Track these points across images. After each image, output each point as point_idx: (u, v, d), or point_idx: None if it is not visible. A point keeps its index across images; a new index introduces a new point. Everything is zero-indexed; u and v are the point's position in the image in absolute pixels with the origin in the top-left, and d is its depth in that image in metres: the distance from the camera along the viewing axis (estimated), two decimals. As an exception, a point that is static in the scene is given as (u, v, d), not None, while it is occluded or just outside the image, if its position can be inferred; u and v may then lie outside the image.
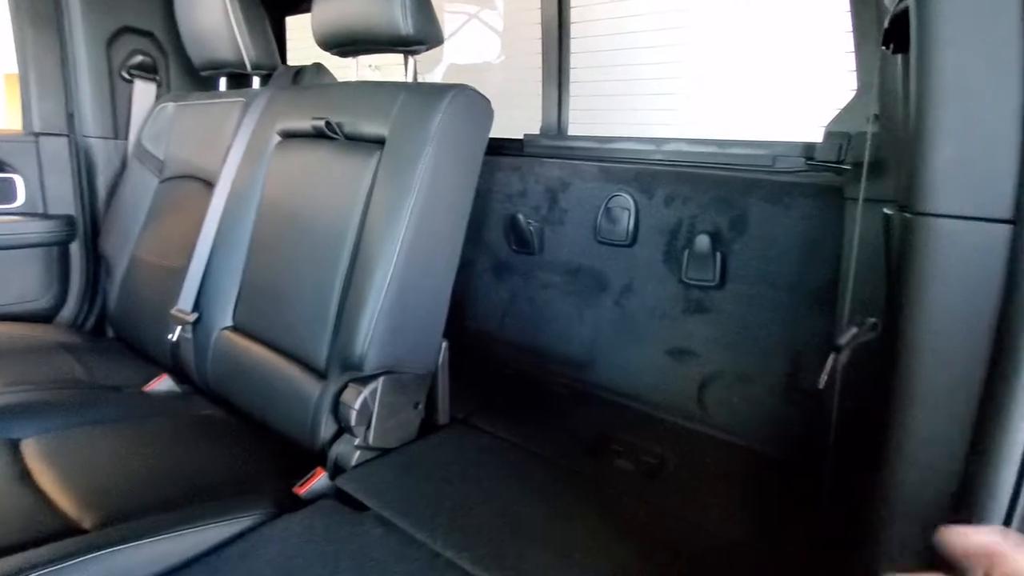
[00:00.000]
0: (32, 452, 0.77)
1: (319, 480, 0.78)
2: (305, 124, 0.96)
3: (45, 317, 1.34)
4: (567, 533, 0.71)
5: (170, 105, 1.31)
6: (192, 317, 1.02)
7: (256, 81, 1.27)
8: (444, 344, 0.92)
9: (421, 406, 0.90)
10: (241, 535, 0.65)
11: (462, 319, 1.36)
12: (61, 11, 1.28)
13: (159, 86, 1.41)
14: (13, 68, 1.30)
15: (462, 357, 0.99)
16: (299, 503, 0.74)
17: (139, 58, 1.36)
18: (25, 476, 0.72)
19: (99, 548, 0.58)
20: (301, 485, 0.77)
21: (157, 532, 0.61)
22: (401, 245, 0.80)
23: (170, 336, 1.05)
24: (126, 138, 1.38)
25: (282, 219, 0.97)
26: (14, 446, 0.78)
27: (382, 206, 0.82)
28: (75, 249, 1.38)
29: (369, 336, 0.79)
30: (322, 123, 0.92)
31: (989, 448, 0.37)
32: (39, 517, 0.64)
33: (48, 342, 1.18)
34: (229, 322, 1.01)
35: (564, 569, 0.64)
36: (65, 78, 1.32)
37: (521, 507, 0.75)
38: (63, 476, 0.72)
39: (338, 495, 0.76)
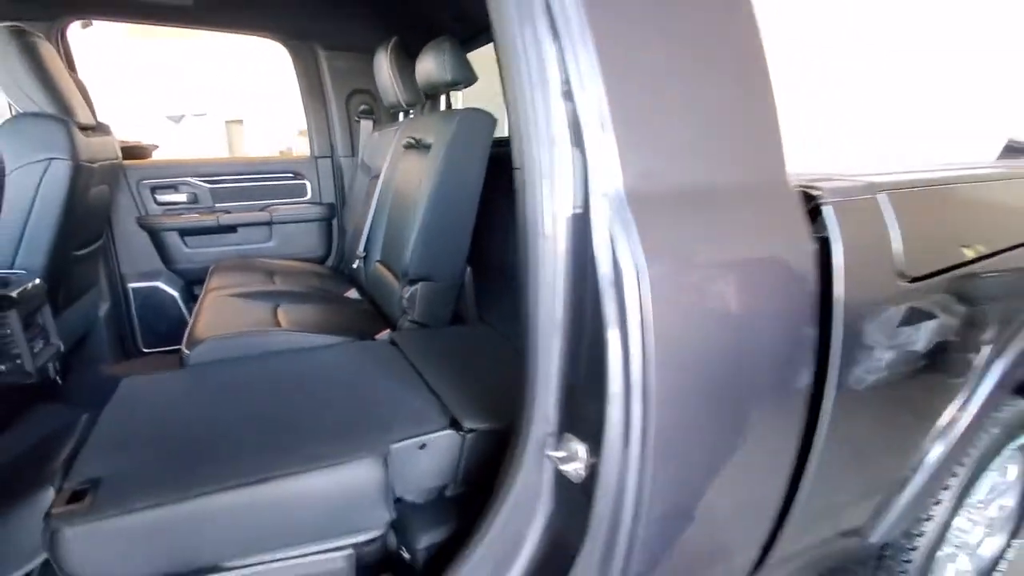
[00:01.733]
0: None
1: (383, 334, 1.46)
2: (408, 139, 1.65)
3: (319, 261, 2.34)
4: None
5: (376, 134, 2.15)
6: (363, 254, 1.81)
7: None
8: (468, 269, 1.50)
9: (450, 307, 1.50)
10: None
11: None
12: (323, 83, 2.23)
13: (375, 122, 2.28)
14: (232, 116, 2.32)
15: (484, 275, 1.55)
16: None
17: (363, 107, 2.25)
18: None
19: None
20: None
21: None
22: (428, 199, 1.40)
23: (353, 265, 1.86)
24: (357, 155, 2.30)
25: (397, 192, 1.67)
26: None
27: (422, 178, 1.45)
28: (335, 224, 2.36)
29: (410, 252, 1.43)
30: (411, 139, 1.60)
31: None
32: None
33: (323, 274, 2.12)
34: (379, 256, 1.76)
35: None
36: (328, 123, 2.29)
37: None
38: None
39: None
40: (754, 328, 0.78)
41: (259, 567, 0.83)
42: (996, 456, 1.42)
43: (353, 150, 2.30)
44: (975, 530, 1.55)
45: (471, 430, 0.96)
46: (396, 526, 0.98)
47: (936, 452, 1.19)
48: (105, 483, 0.80)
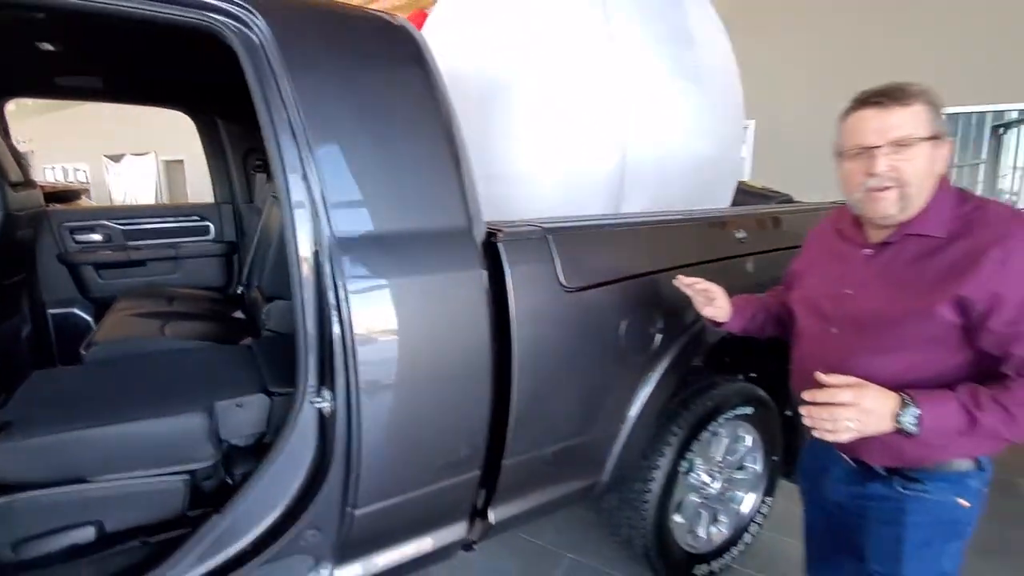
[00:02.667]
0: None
1: (246, 340, 1.91)
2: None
3: (221, 290, 2.77)
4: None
5: (267, 184, 2.63)
6: (244, 282, 2.26)
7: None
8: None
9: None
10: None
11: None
12: (223, 143, 2.71)
13: (268, 175, 2.76)
14: (171, 156, 2.80)
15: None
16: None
17: (258, 161, 2.73)
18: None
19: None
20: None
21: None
22: (280, 233, 1.89)
23: (238, 291, 2.31)
24: (255, 202, 2.77)
25: (266, 228, 2.14)
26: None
27: (280, 216, 1.93)
28: (236, 259, 2.80)
29: (267, 275, 1.90)
30: (278, 192, 2.08)
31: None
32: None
33: (219, 299, 2.55)
34: (257, 282, 2.21)
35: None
36: (228, 175, 2.75)
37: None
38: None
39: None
40: (437, 322, 1.28)
41: (117, 482, 1.26)
42: (713, 422, 1.93)
43: (251, 197, 2.76)
44: (715, 484, 2.07)
45: (277, 393, 1.42)
46: (227, 462, 1.43)
47: (633, 413, 1.71)
48: (15, 424, 1.23)
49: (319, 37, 1.21)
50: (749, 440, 2.14)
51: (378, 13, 1.34)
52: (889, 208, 1.01)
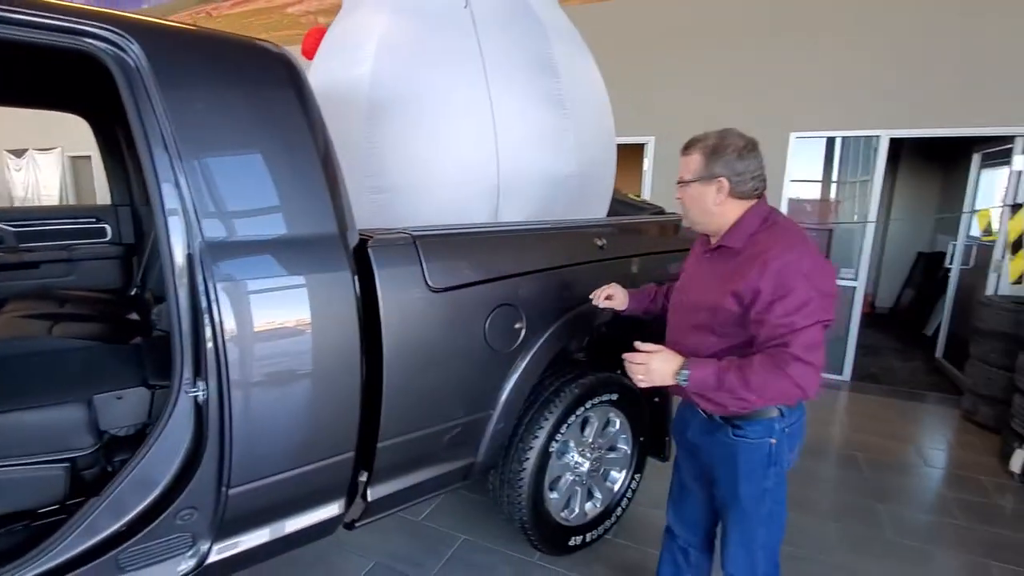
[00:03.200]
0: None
1: (135, 340, 1.98)
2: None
3: (120, 292, 2.78)
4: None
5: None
6: (139, 284, 2.31)
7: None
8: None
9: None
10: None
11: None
12: (120, 146, 2.73)
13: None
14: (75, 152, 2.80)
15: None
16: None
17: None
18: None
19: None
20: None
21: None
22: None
23: (131, 292, 2.35)
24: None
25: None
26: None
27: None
28: (134, 260, 2.81)
29: (155, 276, 1.98)
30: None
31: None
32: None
33: (114, 301, 2.57)
34: (151, 284, 2.27)
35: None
36: (127, 178, 2.77)
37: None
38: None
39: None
40: (305, 319, 1.42)
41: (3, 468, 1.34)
42: (581, 407, 2.16)
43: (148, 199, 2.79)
44: (587, 463, 2.30)
45: (158, 386, 1.53)
46: (109, 451, 1.52)
47: (502, 400, 1.91)
48: None
49: (192, 60, 1.34)
50: (618, 423, 2.40)
51: (255, 40, 1.48)
52: (685, 222, 1.50)
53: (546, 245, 2.01)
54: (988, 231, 4.32)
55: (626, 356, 1.39)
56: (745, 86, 4.53)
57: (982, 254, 4.37)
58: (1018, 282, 3.90)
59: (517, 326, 1.87)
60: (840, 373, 4.58)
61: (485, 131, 1.97)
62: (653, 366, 1.34)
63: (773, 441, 1.39)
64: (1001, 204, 4.12)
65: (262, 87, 1.41)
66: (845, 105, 4.28)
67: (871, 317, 6.39)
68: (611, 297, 1.81)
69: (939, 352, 4.97)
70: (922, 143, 5.77)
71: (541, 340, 1.95)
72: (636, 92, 4.63)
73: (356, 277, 1.52)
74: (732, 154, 1.34)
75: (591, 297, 1.84)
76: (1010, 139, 3.96)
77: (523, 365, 1.92)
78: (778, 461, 1.41)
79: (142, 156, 1.28)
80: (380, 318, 1.55)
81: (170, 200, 1.28)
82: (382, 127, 1.97)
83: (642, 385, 1.38)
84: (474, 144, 1.99)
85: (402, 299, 1.61)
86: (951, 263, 4.73)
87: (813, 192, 5.28)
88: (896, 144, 4.76)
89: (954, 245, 4.71)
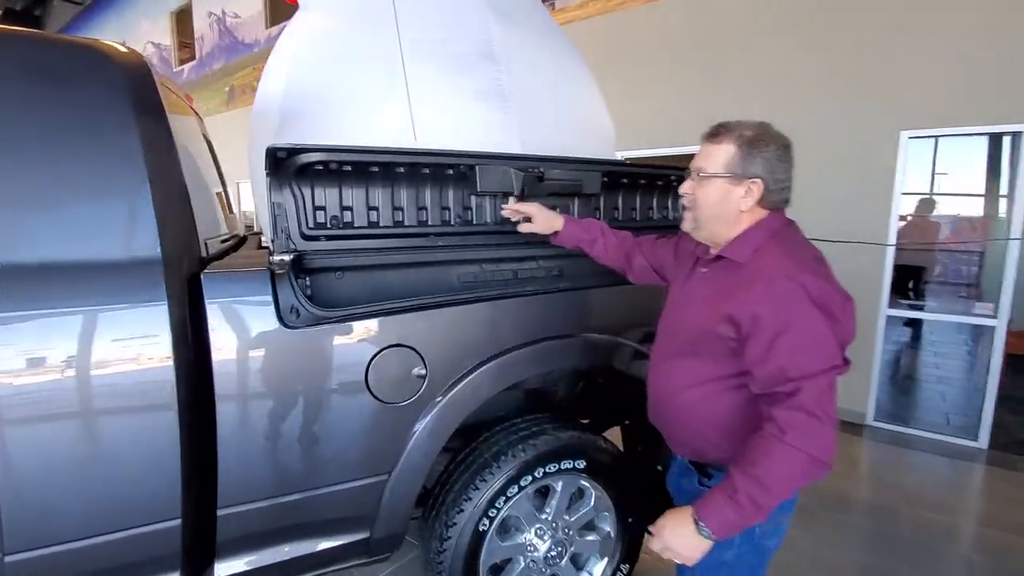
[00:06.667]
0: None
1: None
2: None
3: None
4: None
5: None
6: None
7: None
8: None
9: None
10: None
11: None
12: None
13: None
14: None
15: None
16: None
17: None
18: None
19: None
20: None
21: None
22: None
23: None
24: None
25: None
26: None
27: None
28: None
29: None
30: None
31: None
32: None
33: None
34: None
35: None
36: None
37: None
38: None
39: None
40: (95, 357, 1.20)
41: None
42: (531, 474, 1.72)
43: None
44: (543, 545, 1.84)
45: None
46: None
47: (401, 464, 1.54)
48: None
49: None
50: (593, 498, 1.90)
51: (85, 41, 1.31)
52: (686, 225, 1.22)
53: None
54: None
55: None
56: (849, 79, 3.78)
57: None
58: None
59: (417, 372, 1.51)
60: (975, 438, 3.53)
61: (403, 129, 1.66)
62: (671, 544, 1.09)
63: None
64: None
65: (74, 91, 1.23)
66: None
67: (1018, 361, 4.92)
68: (531, 219, 1.58)
69: None
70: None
71: (458, 388, 1.56)
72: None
73: (186, 310, 1.28)
74: (773, 153, 1.09)
75: (502, 208, 1.62)
76: None
77: (430, 419, 1.54)
78: (748, 532, 1.13)
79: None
80: (210, 361, 1.29)
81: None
82: (291, 137, 1.74)
83: (685, 563, 1.12)
84: (391, 144, 1.69)
85: (245, 338, 1.33)
86: None
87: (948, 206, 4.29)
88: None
89: None
